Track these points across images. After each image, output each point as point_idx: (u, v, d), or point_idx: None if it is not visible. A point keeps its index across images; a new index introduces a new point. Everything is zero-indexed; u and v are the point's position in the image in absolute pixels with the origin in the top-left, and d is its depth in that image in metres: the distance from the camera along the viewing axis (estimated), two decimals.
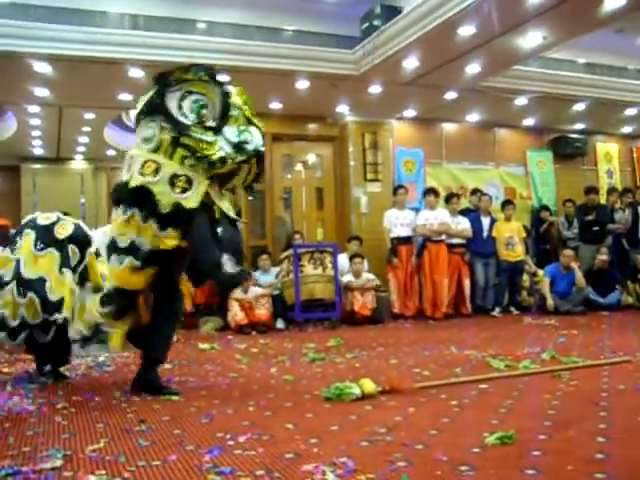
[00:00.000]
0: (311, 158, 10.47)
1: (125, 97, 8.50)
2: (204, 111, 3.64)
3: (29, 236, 3.99)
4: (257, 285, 8.00)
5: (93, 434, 2.90)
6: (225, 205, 3.70)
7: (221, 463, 2.38)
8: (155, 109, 3.60)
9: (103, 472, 2.31)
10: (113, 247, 3.69)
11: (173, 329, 4.10)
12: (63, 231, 3.97)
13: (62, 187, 13.88)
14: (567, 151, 11.40)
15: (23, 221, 4.22)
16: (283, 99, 8.95)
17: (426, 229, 8.66)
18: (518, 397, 3.43)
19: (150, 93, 3.66)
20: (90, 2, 6.94)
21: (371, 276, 8.39)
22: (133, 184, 3.56)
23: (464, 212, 9.29)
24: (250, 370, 4.70)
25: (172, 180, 3.53)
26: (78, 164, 14.73)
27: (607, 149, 12.06)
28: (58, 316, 3.77)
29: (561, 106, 9.95)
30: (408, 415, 3.08)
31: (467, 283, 8.84)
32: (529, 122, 10.96)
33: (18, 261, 3.93)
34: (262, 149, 3.76)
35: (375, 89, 8.56)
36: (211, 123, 3.62)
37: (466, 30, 6.65)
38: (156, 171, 3.53)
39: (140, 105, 3.68)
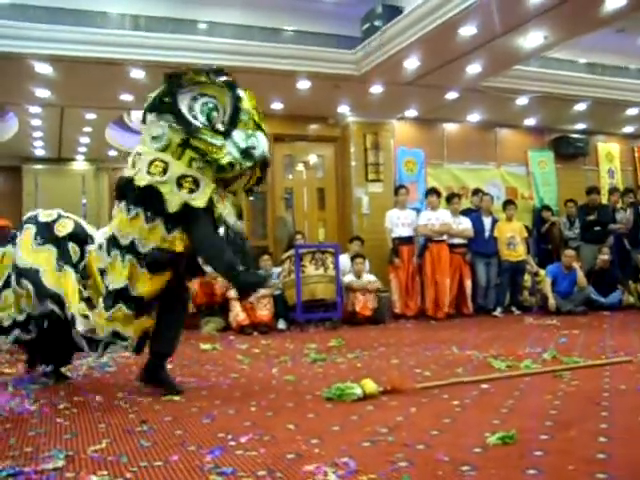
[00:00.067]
0: (312, 158, 10.47)
1: (126, 97, 8.52)
2: (215, 114, 3.65)
3: (29, 230, 4.01)
4: None
5: (95, 435, 2.90)
6: (226, 210, 3.72)
7: (222, 463, 2.38)
8: (166, 108, 3.60)
9: (105, 473, 2.32)
10: (114, 243, 3.68)
11: (182, 323, 4.10)
12: (63, 229, 3.98)
13: (64, 187, 13.90)
14: (568, 151, 11.39)
15: (24, 217, 4.22)
16: (284, 99, 8.95)
17: (427, 229, 8.66)
18: (519, 397, 3.43)
19: (160, 91, 3.66)
20: (91, 3, 6.95)
21: (372, 278, 8.38)
22: (141, 183, 3.56)
23: (465, 212, 9.28)
24: (251, 370, 4.70)
25: (179, 180, 3.55)
26: (79, 164, 14.74)
27: (608, 149, 12.05)
28: (53, 307, 3.79)
29: (562, 106, 9.94)
30: (409, 415, 3.08)
31: (468, 283, 8.83)
32: (530, 122, 10.96)
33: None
34: (267, 155, 3.80)
35: (376, 89, 8.56)
36: (220, 126, 3.63)
37: (467, 30, 6.65)
38: (164, 171, 3.55)
39: (149, 101, 3.68)
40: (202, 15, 7.41)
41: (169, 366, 4.61)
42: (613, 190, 10.61)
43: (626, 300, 8.94)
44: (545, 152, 11.39)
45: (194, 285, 7.54)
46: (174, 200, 3.53)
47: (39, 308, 3.90)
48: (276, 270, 8.30)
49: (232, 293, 7.65)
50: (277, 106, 9.18)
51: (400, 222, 8.80)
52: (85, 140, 12.89)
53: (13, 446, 2.72)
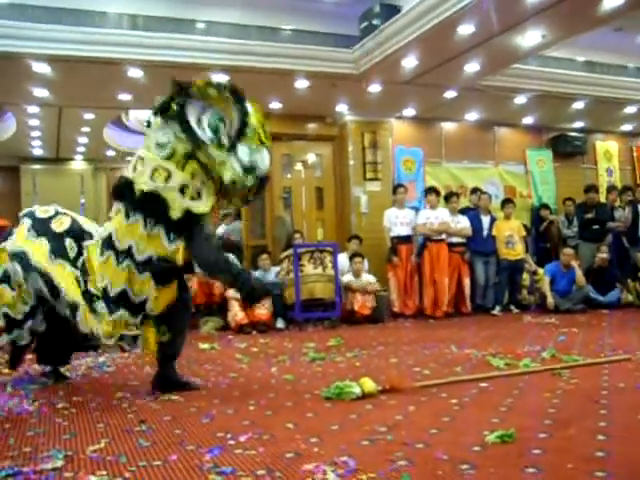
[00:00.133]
0: (311, 158, 10.47)
1: (124, 97, 8.51)
2: (221, 127, 3.67)
3: (24, 224, 4.03)
4: None
5: (94, 434, 2.90)
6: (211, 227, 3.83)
7: (222, 463, 2.39)
8: (173, 117, 3.62)
9: (104, 472, 2.32)
10: (108, 244, 3.69)
11: (186, 324, 4.10)
12: (60, 225, 3.98)
13: (62, 187, 13.89)
14: (567, 149, 11.39)
15: (21, 213, 4.21)
16: (282, 99, 8.95)
17: (426, 228, 8.66)
18: (518, 395, 3.43)
19: (169, 98, 3.68)
20: (89, 2, 6.93)
21: (372, 278, 8.38)
22: (143, 188, 3.58)
23: (464, 211, 9.28)
24: (250, 370, 4.70)
25: (182, 189, 3.59)
26: (78, 164, 14.75)
27: (607, 147, 12.06)
28: (42, 286, 3.80)
29: (560, 104, 9.94)
30: (408, 414, 3.08)
31: (467, 282, 8.84)
32: (528, 121, 10.96)
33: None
34: (267, 172, 3.84)
35: (374, 88, 8.55)
36: (226, 140, 3.65)
37: (465, 29, 6.65)
38: (166, 179, 3.57)
39: (157, 106, 3.68)
40: (200, 14, 7.39)
41: None
42: (611, 188, 10.61)
43: (625, 298, 8.94)
44: (543, 151, 11.39)
45: (193, 285, 7.55)
46: (177, 206, 3.56)
47: (30, 287, 3.87)
48: (275, 269, 8.30)
49: (231, 292, 7.65)
50: (275, 105, 9.17)
51: (398, 221, 8.80)
52: (83, 140, 12.89)
53: (12, 446, 2.72)
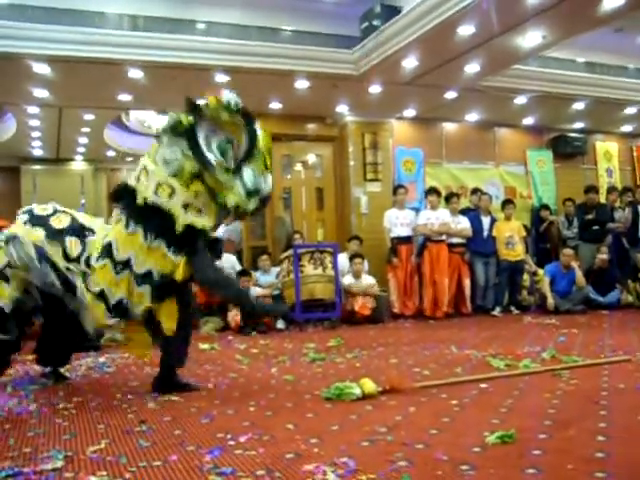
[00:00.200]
0: (311, 158, 10.48)
1: (124, 97, 8.52)
2: (229, 150, 3.71)
3: (21, 219, 4.02)
4: (257, 285, 8.01)
5: (94, 435, 2.90)
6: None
7: (222, 463, 2.38)
8: (183, 135, 3.62)
9: (104, 473, 2.32)
10: (108, 252, 3.69)
11: (190, 332, 4.11)
12: (59, 223, 3.97)
13: (62, 188, 13.89)
14: (567, 150, 11.41)
15: (19, 211, 4.19)
16: (283, 99, 8.95)
17: (427, 229, 8.65)
18: (518, 396, 3.43)
19: (181, 116, 3.66)
20: (89, 3, 6.94)
21: (372, 280, 8.37)
22: (148, 201, 3.60)
23: (464, 211, 9.28)
24: (250, 370, 4.70)
25: (185, 206, 3.63)
26: (78, 165, 14.75)
27: (607, 148, 12.07)
28: (32, 254, 3.78)
29: (561, 105, 9.95)
30: (408, 415, 3.08)
31: (467, 283, 8.83)
32: (529, 121, 10.97)
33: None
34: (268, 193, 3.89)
35: (375, 89, 8.56)
36: (232, 162, 3.69)
37: (465, 29, 6.65)
38: (170, 195, 3.61)
39: (169, 123, 3.68)
40: (200, 15, 7.40)
41: None
42: (611, 189, 10.60)
43: (625, 299, 8.93)
44: (544, 151, 11.40)
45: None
46: (180, 220, 3.60)
47: (20, 259, 3.84)
48: (275, 270, 8.30)
49: None
50: (275, 106, 9.18)
51: (399, 222, 8.80)
52: (83, 140, 12.89)
53: (12, 446, 2.72)
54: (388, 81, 8.25)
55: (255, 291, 7.80)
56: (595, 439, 2.52)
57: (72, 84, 7.84)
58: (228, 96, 3.68)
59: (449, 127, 10.76)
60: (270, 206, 9.72)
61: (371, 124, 10.03)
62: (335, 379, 3.88)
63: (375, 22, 7.27)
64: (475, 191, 9.67)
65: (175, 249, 3.61)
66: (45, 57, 6.91)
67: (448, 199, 9.14)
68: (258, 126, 3.78)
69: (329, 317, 7.91)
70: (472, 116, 10.57)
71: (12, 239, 3.86)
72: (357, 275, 8.30)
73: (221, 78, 7.77)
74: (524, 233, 9.18)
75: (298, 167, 10.39)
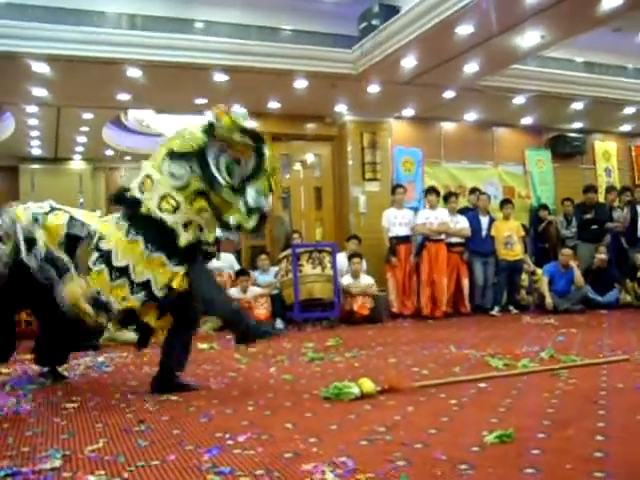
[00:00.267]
0: (309, 158, 10.47)
1: (123, 97, 8.51)
2: (236, 170, 3.75)
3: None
4: (256, 285, 8.01)
5: (92, 434, 2.90)
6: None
7: (220, 463, 2.38)
8: (194, 154, 3.64)
9: (102, 472, 2.32)
10: (107, 260, 3.68)
11: (191, 339, 4.10)
12: (57, 220, 3.96)
13: (60, 187, 13.87)
14: (566, 150, 11.41)
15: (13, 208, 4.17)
16: (281, 99, 8.95)
17: (426, 228, 8.65)
18: (517, 396, 3.43)
19: (195, 133, 3.68)
20: (88, 2, 6.93)
21: (370, 280, 8.38)
22: (152, 215, 3.62)
23: (463, 211, 9.28)
24: (249, 370, 4.70)
25: (186, 224, 3.66)
26: (76, 164, 14.73)
27: (605, 148, 12.07)
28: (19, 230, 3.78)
29: (559, 105, 9.95)
30: (407, 414, 3.08)
31: (466, 282, 8.83)
32: (527, 121, 10.97)
33: None
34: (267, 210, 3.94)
35: (373, 88, 8.55)
36: (237, 181, 3.73)
37: (464, 29, 6.65)
38: (174, 210, 3.63)
39: (182, 141, 3.69)
40: (200, 14, 7.40)
41: None
42: (610, 189, 10.61)
43: (623, 299, 8.94)
44: (542, 151, 11.40)
45: None
46: (182, 238, 3.63)
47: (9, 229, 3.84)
48: (273, 269, 8.30)
49: (229, 292, 7.65)
50: (274, 105, 9.17)
51: (397, 221, 8.79)
52: (82, 139, 12.88)
53: (10, 446, 2.72)
54: (387, 80, 8.24)
55: (254, 290, 7.81)
56: (594, 439, 2.52)
57: (71, 83, 7.84)
58: (239, 112, 3.73)
59: (448, 127, 10.77)
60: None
61: (370, 123, 10.03)
62: (334, 379, 3.88)
63: (374, 22, 7.27)
64: (474, 191, 9.67)
65: (175, 261, 3.63)
66: (44, 56, 6.90)
67: (447, 199, 9.14)
68: (267, 149, 3.83)
69: (328, 317, 7.91)
70: (471, 116, 10.57)
71: (4, 211, 3.90)
72: (356, 275, 8.30)
73: (220, 77, 7.77)
74: (523, 233, 9.18)
75: (297, 166, 10.39)
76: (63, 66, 7.20)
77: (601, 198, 10.56)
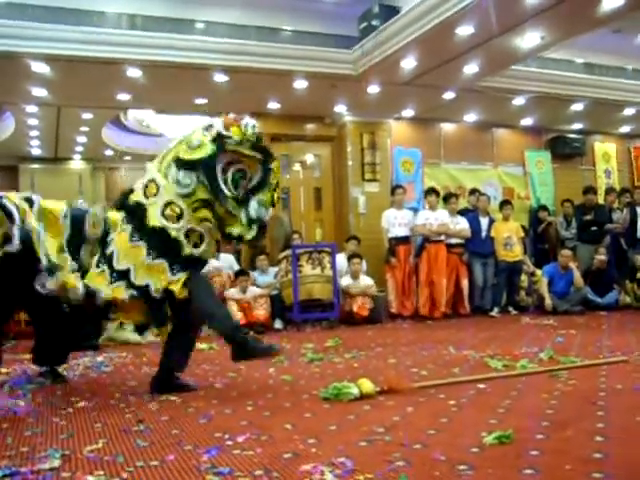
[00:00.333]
0: (309, 158, 10.47)
1: (123, 97, 8.52)
2: (242, 182, 3.77)
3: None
4: (255, 285, 8.00)
5: (91, 434, 2.90)
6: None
7: (219, 463, 2.38)
8: (202, 164, 3.64)
9: (101, 472, 2.31)
10: (109, 262, 3.68)
11: (194, 341, 4.10)
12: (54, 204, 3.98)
13: (60, 187, 13.86)
14: (565, 151, 11.42)
15: None
16: (281, 99, 8.95)
17: (426, 229, 8.65)
18: (516, 397, 3.43)
19: (205, 143, 3.66)
20: (88, 2, 6.94)
21: (370, 281, 8.37)
22: (155, 224, 3.62)
23: (462, 212, 9.28)
24: (248, 370, 4.70)
25: (188, 233, 3.68)
26: (76, 164, 14.74)
27: (605, 149, 12.08)
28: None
29: (559, 106, 9.96)
30: (406, 415, 3.08)
31: (465, 283, 8.83)
32: (527, 122, 10.97)
33: None
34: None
35: (373, 89, 8.56)
36: (242, 192, 3.75)
37: (464, 30, 6.65)
38: (178, 218, 3.64)
39: (189, 147, 3.68)
40: (200, 15, 7.40)
41: None
42: (610, 190, 10.60)
43: (622, 300, 8.93)
44: (542, 152, 11.41)
45: None
46: (183, 246, 3.65)
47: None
48: (273, 270, 8.29)
49: (229, 293, 7.66)
50: (274, 105, 9.17)
51: (397, 222, 8.78)
52: (82, 139, 12.89)
53: (9, 446, 2.71)
54: (387, 81, 8.25)
55: (253, 291, 7.81)
56: (593, 440, 2.52)
57: (71, 83, 7.84)
58: (249, 123, 3.73)
59: (447, 127, 10.77)
60: None
61: (369, 124, 10.04)
62: (333, 379, 3.88)
63: (374, 22, 7.27)
64: (473, 192, 9.67)
65: (176, 269, 3.64)
66: (44, 56, 6.91)
67: (447, 199, 9.14)
68: (274, 163, 3.86)
69: (327, 317, 7.91)
70: (470, 117, 10.58)
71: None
72: (355, 275, 8.30)
73: (220, 78, 7.77)
74: (522, 234, 9.19)
75: (297, 167, 10.38)
76: (63, 66, 7.21)
77: (601, 199, 10.56)
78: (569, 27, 6.91)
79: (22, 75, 7.39)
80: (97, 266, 3.70)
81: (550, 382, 3.81)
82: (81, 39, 6.78)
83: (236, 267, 8.44)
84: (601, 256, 8.89)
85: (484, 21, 6.37)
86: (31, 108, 9.81)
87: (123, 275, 3.64)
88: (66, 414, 3.34)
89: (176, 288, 3.62)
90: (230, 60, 7.38)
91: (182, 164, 3.66)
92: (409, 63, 7.60)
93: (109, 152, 14.06)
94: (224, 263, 8.25)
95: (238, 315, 7.45)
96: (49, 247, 3.66)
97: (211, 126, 3.76)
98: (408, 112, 9.99)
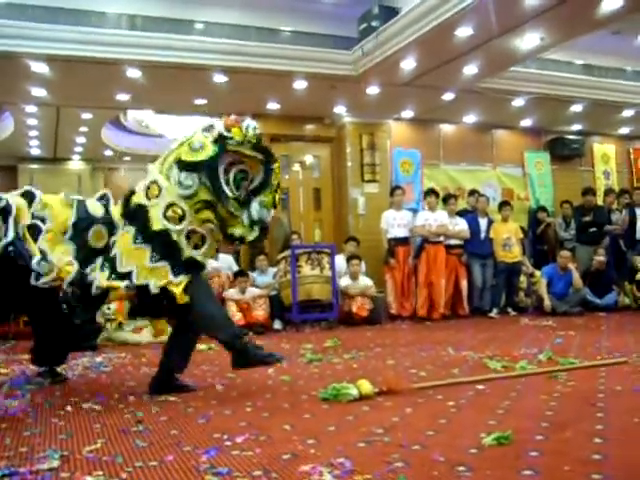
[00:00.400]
0: (308, 159, 10.47)
1: (122, 97, 8.51)
2: (244, 183, 3.78)
3: None
4: (254, 286, 8.00)
5: (90, 435, 2.89)
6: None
7: (218, 464, 2.38)
8: (204, 165, 3.65)
9: (100, 473, 2.31)
10: (111, 265, 3.67)
11: (195, 342, 4.10)
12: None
13: (59, 187, 13.76)
14: (564, 152, 11.43)
15: None
16: (281, 100, 8.95)
17: (425, 230, 8.65)
18: (515, 398, 3.43)
19: (206, 144, 3.67)
20: (87, 2, 6.94)
21: (369, 282, 8.37)
22: (157, 227, 3.62)
23: (462, 213, 9.28)
24: (247, 371, 4.67)
25: (189, 234, 3.68)
26: (75, 164, 14.74)
27: (604, 150, 12.09)
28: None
29: (558, 107, 9.96)
30: (405, 416, 3.08)
31: (464, 284, 8.83)
32: (526, 123, 10.98)
33: None
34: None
35: (373, 90, 8.56)
36: (243, 194, 3.76)
37: (464, 31, 6.66)
38: (180, 219, 3.64)
39: (190, 148, 3.68)
40: (199, 15, 7.40)
41: None
42: (609, 191, 10.61)
43: (621, 301, 8.95)
44: (541, 153, 11.42)
45: None
46: (184, 250, 3.65)
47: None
48: (272, 270, 8.29)
49: (228, 293, 7.65)
50: (273, 106, 9.17)
51: (396, 223, 8.78)
52: (81, 140, 12.89)
53: (8, 446, 2.71)
54: (386, 82, 8.25)
55: (252, 291, 7.81)
56: (592, 441, 2.52)
57: (70, 83, 7.84)
58: (250, 124, 3.74)
59: (447, 128, 10.78)
60: None
61: (369, 125, 10.04)
62: (332, 380, 3.88)
63: (373, 23, 7.27)
64: (472, 193, 9.68)
65: (177, 272, 3.63)
66: (43, 56, 6.91)
67: (446, 200, 9.15)
68: (275, 164, 3.87)
69: (326, 318, 7.91)
70: (470, 118, 10.58)
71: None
72: (354, 276, 8.30)
73: (219, 78, 7.77)
74: (521, 235, 9.19)
75: (296, 168, 10.38)
76: (62, 66, 7.21)
77: (599, 201, 10.57)
78: (568, 28, 6.92)
79: (21, 75, 7.39)
80: (102, 269, 3.70)
81: (549, 383, 3.81)
82: (80, 39, 6.78)
83: (235, 268, 8.44)
84: (600, 257, 8.89)
85: (484, 22, 6.38)
86: (30, 108, 9.80)
87: (125, 276, 3.64)
88: (65, 414, 3.34)
89: (177, 292, 3.61)
90: (229, 60, 7.38)
91: (184, 165, 3.66)
92: (409, 64, 7.60)
93: (108, 152, 14.05)
94: (223, 264, 8.25)
95: (237, 316, 7.46)
96: (46, 240, 3.67)
97: (211, 127, 3.76)
98: (407, 113, 10.00)
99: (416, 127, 10.49)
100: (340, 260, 8.47)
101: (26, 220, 3.70)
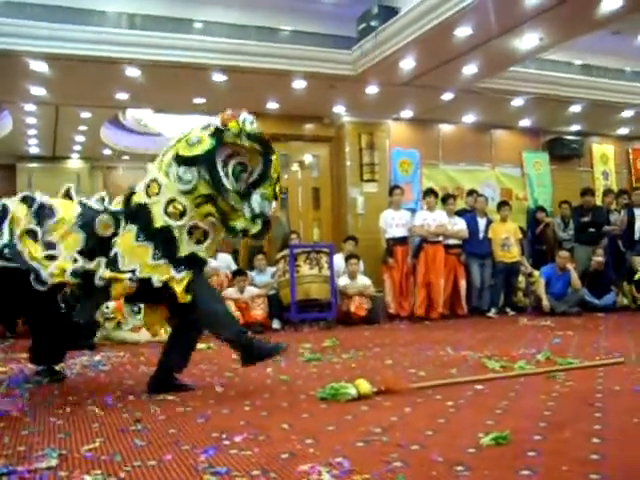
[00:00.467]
0: (307, 158, 10.47)
1: (122, 96, 8.51)
2: (243, 175, 3.77)
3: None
4: (253, 285, 8.00)
5: (88, 434, 2.89)
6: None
7: (217, 463, 2.38)
8: (203, 158, 3.64)
9: (98, 472, 2.31)
10: (114, 264, 3.64)
11: (195, 342, 4.09)
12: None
13: (58, 186, 13.70)
14: (563, 152, 11.44)
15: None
16: (280, 99, 8.95)
17: (424, 230, 8.65)
18: (513, 398, 3.43)
19: (204, 138, 3.67)
20: (87, 1, 6.92)
21: (367, 281, 8.38)
22: (158, 224, 3.62)
23: (460, 213, 9.29)
24: (246, 370, 4.67)
25: (191, 229, 3.69)
26: (74, 163, 14.72)
27: (603, 151, 12.09)
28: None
29: (557, 107, 9.97)
30: (404, 415, 3.08)
31: (463, 284, 8.83)
32: (525, 123, 10.98)
33: None
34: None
35: (372, 90, 8.56)
36: (244, 186, 3.76)
37: (463, 31, 6.66)
38: (180, 215, 3.64)
39: (188, 143, 3.68)
40: (199, 14, 7.39)
41: None
42: (607, 192, 10.63)
43: (620, 301, 8.95)
44: (540, 153, 11.42)
45: None
46: (184, 248, 3.65)
47: None
48: (270, 270, 8.29)
49: (227, 293, 7.65)
50: (272, 105, 9.17)
51: (394, 222, 8.78)
52: (80, 138, 12.88)
53: (6, 445, 2.71)
54: (385, 82, 8.25)
55: (251, 291, 7.81)
56: (590, 441, 2.53)
57: (69, 82, 7.83)
58: (247, 118, 3.74)
59: (446, 128, 10.78)
60: None
61: (368, 125, 10.04)
62: (330, 379, 3.88)
63: (373, 23, 7.27)
64: (471, 193, 9.69)
65: (179, 268, 3.63)
66: (43, 55, 6.90)
67: (445, 200, 9.15)
68: (274, 155, 3.85)
69: (325, 317, 7.92)
70: (469, 118, 10.59)
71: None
72: (353, 276, 8.30)
73: (219, 77, 7.77)
74: (520, 235, 9.20)
75: (295, 167, 10.38)
76: (61, 65, 7.20)
77: (598, 201, 10.56)
78: (568, 29, 6.92)
79: (20, 74, 7.38)
80: (105, 269, 3.70)
81: (547, 383, 3.81)
82: (80, 38, 6.77)
83: (234, 267, 8.44)
84: (598, 257, 8.90)
85: (483, 22, 6.38)
86: (29, 107, 9.79)
87: (128, 273, 3.63)
88: (63, 413, 3.34)
89: (178, 290, 3.61)
90: (229, 60, 7.38)
91: (182, 160, 3.66)
92: (408, 64, 7.60)
93: (107, 151, 14.04)
94: (222, 263, 8.25)
95: (236, 314, 7.46)
96: (56, 230, 3.69)
97: (209, 126, 3.76)
98: (407, 113, 10.00)
99: (415, 127, 10.49)
100: (339, 259, 8.47)
101: (24, 224, 3.69)
